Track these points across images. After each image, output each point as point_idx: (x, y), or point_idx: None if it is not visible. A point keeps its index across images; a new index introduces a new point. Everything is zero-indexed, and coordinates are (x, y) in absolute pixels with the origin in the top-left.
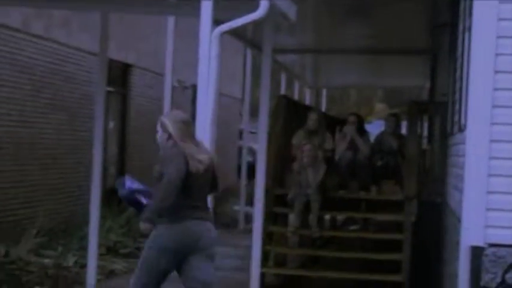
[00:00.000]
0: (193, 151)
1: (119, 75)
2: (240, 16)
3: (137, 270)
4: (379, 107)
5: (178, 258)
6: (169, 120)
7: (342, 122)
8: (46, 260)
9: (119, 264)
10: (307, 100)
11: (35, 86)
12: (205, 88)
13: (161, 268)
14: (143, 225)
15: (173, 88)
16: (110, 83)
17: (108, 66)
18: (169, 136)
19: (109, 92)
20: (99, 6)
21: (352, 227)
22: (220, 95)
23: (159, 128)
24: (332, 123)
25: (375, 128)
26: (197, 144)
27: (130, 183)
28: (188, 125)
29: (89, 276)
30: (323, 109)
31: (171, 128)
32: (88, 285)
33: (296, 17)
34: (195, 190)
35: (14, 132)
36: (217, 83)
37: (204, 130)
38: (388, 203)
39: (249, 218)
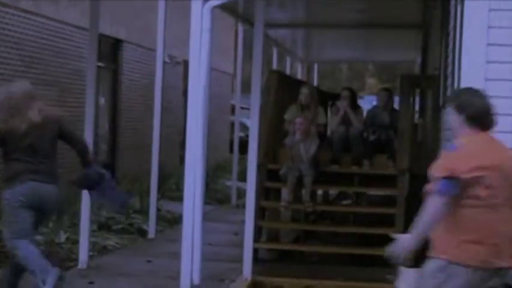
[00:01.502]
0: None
1: (110, 50)
2: None
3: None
4: (371, 82)
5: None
6: None
7: (334, 97)
8: (38, 237)
9: (111, 240)
10: (299, 75)
11: (25, 61)
12: (197, 63)
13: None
14: None
15: (164, 63)
16: (100, 58)
17: (98, 41)
18: None
19: (100, 67)
20: None
21: (345, 202)
22: (213, 70)
23: None
24: (324, 98)
25: (366, 103)
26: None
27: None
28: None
29: (81, 253)
30: (315, 84)
31: None
32: (80, 261)
33: None
34: (27, 152)
35: None
36: (208, 57)
37: (196, 104)
38: (380, 177)
39: (241, 194)
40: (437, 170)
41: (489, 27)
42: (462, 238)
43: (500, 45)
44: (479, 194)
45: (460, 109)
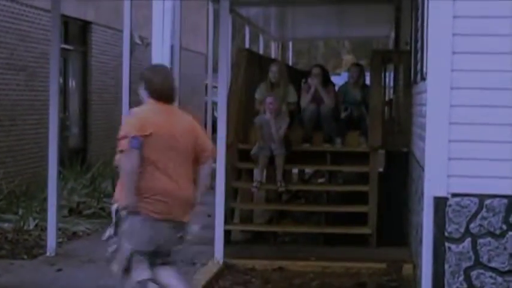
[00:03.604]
0: None
1: (79, 32)
2: None
3: None
4: (347, 58)
5: None
6: None
7: (307, 74)
8: (5, 224)
9: (82, 226)
10: (273, 53)
11: None
12: (160, 43)
13: None
14: None
15: (135, 45)
16: (69, 41)
17: (66, 23)
18: None
19: (68, 50)
20: None
21: (320, 180)
22: (185, 50)
23: None
24: (297, 76)
25: (343, 80)
26: None
27: None
28: None
29: (49, 239)
30: (290, 62)
31: None
32: (49, 248)
33: None
34: None
35: None
36: (171, 37)
37: None
38: (353, 154)
39: (215, 174)
40: (123, 131)
41: None
42: (145, 195)
43: (467, 17)
44: (152, 158)
45: (144, 84)
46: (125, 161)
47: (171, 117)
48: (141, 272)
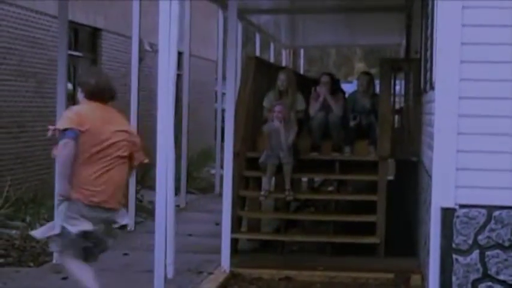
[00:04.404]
0: None
1: (88, 39)
2: None
3: None
4: (359, 66)
5: None
6: None
7: (318, 82)
8: (13, 231)
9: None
10: (284, 61)
11: (0, 52)
12: (167, 49)
13: None
14: None
15: (145, 52)
16: (78, 48)
17: (75, 30)
18: None
19: (78, 57)
20: None
21: (330, 188)
22: (197, 58)
23: None
24: (307, 84)
25: (355, 87)
26: None
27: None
28: None
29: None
30: (302, 70)
31: None
32: (55, 256)
33: None
34: None
35: None
36: (178, 44)
37: (167, 90)
38: (362, 163)
39: (222, 182)
40: (62, 124)
41: (463, 7)
42: (79, 184)
43: (475, 25)
44: (87, 151)
45: (81, 86)
46: (61, 151)
47: (106, 115)
48: (68, 257)
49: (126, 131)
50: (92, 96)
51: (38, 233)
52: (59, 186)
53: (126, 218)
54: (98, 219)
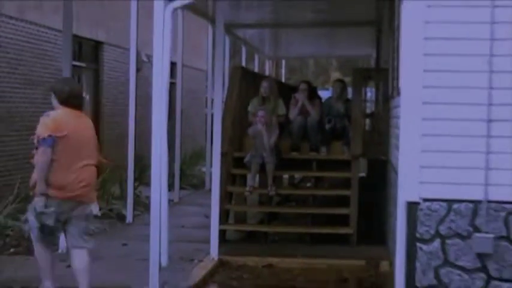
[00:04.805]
0: None
1: (91, 52)
2: None
3: None
4: (335, 75)
5: None
6: None
7: (296, 90)
8: (23, 224)
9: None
10: (267, 70)
11: (10, 63)
12: (160, 60)
13: None
14: None
15: (142, 63)
16: (82, 59)
17: (79, 44)
18: None
19: (82, 67)
20: None
21: (308, 184)
22: (189, 68)
23: None
24: (287, 91)
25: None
26: None
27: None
28: None
29: (61, 237)
30: (283, 78)
31: None
32: (60, 246)
33: None
34: None
35: None
36: (171, 55)
37: (161, 97)
38: (337, 162)
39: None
40: (41, 132)
41: (426, 21)
42: (55, 183)
43: (436, 38)
44: (63, 154)
45: (55, 93)
46: (40, 158)
47: (79, 121)
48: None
49: (93, 134)
50: (66, 102)
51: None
52: (39, 186)
53: (96, 209)
54: (68, 209)
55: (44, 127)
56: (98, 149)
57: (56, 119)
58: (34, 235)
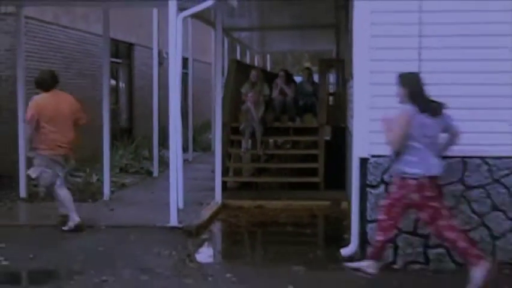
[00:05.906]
0: None
1: (126, 51)
2: (198, 4)
3: None
4: (306, 64)
5: None
6: None
7: (277, 76)
8: (78, 179)
9: (128, 179)
10: (256, 62)
11: (65, 61)
12: (174, 56)
13: None
14: None
15: (164, 58)
16: (119, 56)
17: (117, 45)
18: None
19: (119, 63)
20: (99, 3)
21: (288, 146)
22: (198, 61)
23: None
24: (271, 77)
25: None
26: None
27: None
28: None
29: (105, 188)
30: (268, 68)
31: None
32: (105, 195)
33: (238, 5)
34: None
35: None
36: (184, 51)
37: (175, 83)
38: (308, 129)
39: (214, 143)
40: (28, 111)
41: (372, 23)
42: (45, 143)
43: (379, 36)
44: (47, 122)
45: (38, 83)
46: (27, 130)
47: (56, 98)
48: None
49: (71, 107)
50: (46, 87)
51: (30, 171)
52: (31, 149)
53: (72, 162)
54: (57, 161)
55: (30, 108)
56: (81, 112)
57: (38, 101)
58: (58, 184)
